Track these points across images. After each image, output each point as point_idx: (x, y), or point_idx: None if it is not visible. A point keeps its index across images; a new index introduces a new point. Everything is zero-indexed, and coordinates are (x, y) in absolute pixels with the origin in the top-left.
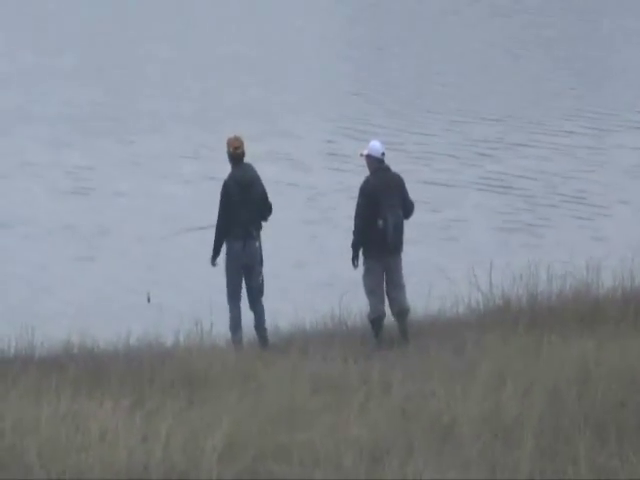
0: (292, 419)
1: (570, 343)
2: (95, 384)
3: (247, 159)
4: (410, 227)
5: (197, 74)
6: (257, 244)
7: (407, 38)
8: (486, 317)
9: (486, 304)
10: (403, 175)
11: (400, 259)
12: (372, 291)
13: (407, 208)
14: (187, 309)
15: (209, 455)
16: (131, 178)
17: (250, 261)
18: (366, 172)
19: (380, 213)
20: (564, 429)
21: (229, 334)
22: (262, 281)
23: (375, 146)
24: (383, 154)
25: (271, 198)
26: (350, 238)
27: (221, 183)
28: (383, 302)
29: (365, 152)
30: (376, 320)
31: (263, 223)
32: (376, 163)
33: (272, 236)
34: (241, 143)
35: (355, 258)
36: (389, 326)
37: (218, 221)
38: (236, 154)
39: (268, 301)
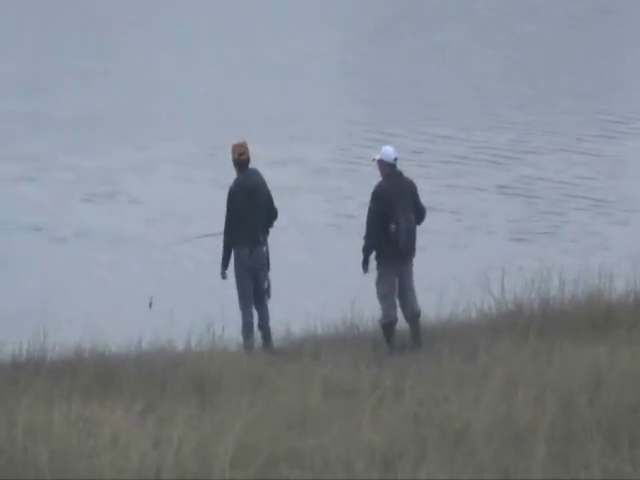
0: (304, 424)
1: (582, 349)
2: (107, 389)
3: (260, 163)
4: (422, 232)
5: (205, 78)
6: (264, 249)
7: (422, 46)
8: (498, 322)
9: (498, 309)
10: (416, 180)
11: (412, 264)
12: (385, 296)
13: (419, 213)
14: (199, 314)
15: (221, 460)
16: (147, 183)
17: (257, 265)
18: (379, 177)
19: (393, 218)
20: (576, 434)
21: (241, 339)
22: (269, 285)
23: (388, 151)
24: (395, 159)
25: (284, 202)
26: (361, 243)
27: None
28: (395, 308)
29: (377, 157)
30: (388, 325)
31: (270, 229)
32: (388, 168)
33: (285, 241)
34: (246, 149)
35: (365, 262)
36: (401, 331)
37: (225, 228)
38: (241, 160)
39: (279, 306)
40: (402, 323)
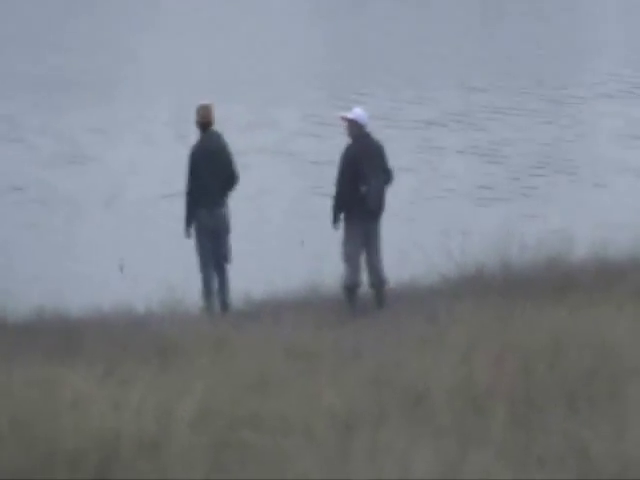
0: (264, 387)
1: (543, 312)
2: (68, 351)
3: (226, 127)
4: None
5: (178, 44)
6: (223, 211)
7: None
8: (459, 286)
9: (459, 273)
10: (384, 141)
11: (379, 225)
12: (350, 258)
13: (387, 175)
14: (160, 276)
15: (181, 423)
16: (113, 144)
17: (216, 228)
18: (345, 139)
19: (364, 179)
20: (536, 398)
21: (202, 302)
22: (229, 248)
23: (362, 114)
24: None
25: (248, 165)
26: (330, 202)
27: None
28: (359, 271)
29: (350, 116)
30: (351, 287)
31: (230, 192)
32: (359, 129)
33: (248, 204)
34: (209, 111)
35: (335, 220)
36: (362, 294)
37: (187, 188)
38: (204, 122)
39: (241, 269)
40: (364, 286)
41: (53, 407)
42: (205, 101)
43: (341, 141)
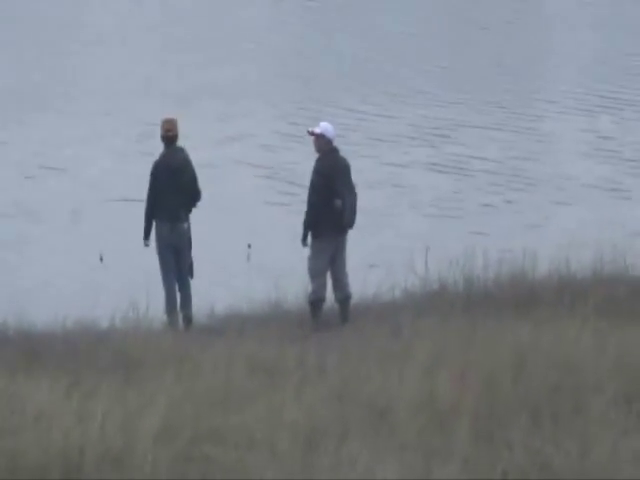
0: (227, 401)
1: (506, 327)
2: (31, 365)
3: (189, 139)
4: None
5: (142, 56)
6: (185, 226)
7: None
8: (422, 301)
9: (422, 288)
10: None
11: (346, 239)
12: (317, 274)
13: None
14: (123, 291)
15: (145, 437)
16: (75, 156)
17: (178, 243)
18: (313, 153)
19: (337, 193)
20: (499, 413)
21: (165, 316)
22: (191, 263)
23: (329, 128)
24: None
25: (211, 179)
26: (299, 218)
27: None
28: (325, 286)
29: (318, 131)
30: (316, 302)
31: (192, 208)
32: (328, 144)
33: (210, 218)
34: (174, 125)
35: (305, 237)
36: (326, 309)
37: (146, 202)
38: (168, 136)
39: (205, 284)
40: (329, 301)
41: (16, 421)
42: (169, 115)
43: (306, 153)
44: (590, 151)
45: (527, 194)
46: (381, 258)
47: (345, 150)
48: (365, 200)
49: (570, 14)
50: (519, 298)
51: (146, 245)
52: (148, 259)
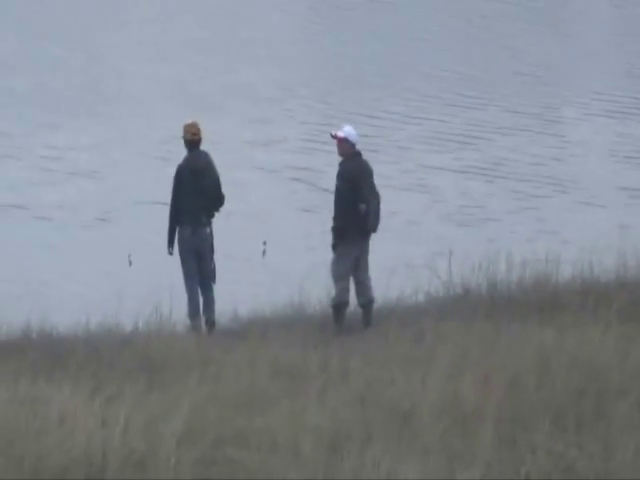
0: (251, 405)
1: (529, 332)
2: (54, 369)
3: (217, 142)
4: None
5: (166, 58)
6: (207, 231)
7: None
8: (446, 305)
9: (446, 292)
10: (372, 161)
11: (369, 243)
12: (341, 278)
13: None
14: (147, 295)
15: (168, 440)
16: (101, 160)
17: (200, 247)
18: (337, 157)
19: (362, 197)
20: (523, 417)
21: (188, 320)
22: (213, 268)
23: (352, 132)
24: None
25: (233, 183)
26: (322, 221)
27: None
28: (349, 290)
29: (341, 134)
30: (339, 306)
31: (215, 213)
32: (351, 148)
33: (234, 222)
34: (198, 129)
35: (336, 243)
36: (349, 313)
37: (170, 207)
38: (193, 140)
39: (228, 287)
40: (352, 306)
41: (40, 425)
42: (192, 119)
43: (332, 157)
44: (616, 155)
45: (551, 198)
46: (404, 262)
47: (369, 154)
48: (389, 204)
49: (598, 15)
50: (542, 302)
51: (170, 253)
52: (171, 263)
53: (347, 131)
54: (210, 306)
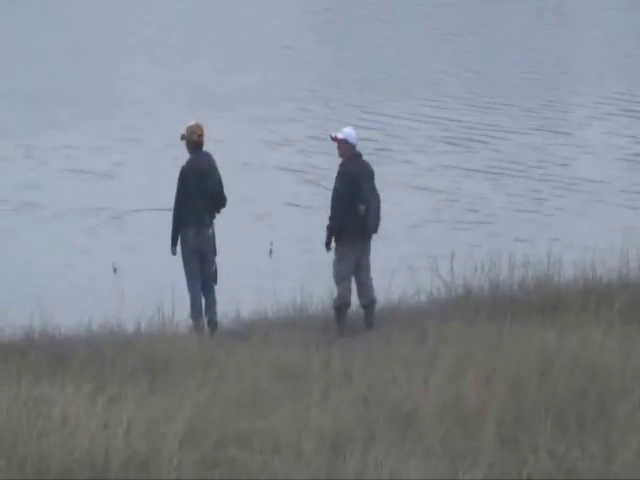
0: (253, 406)
1: (531, 332)
2: (56, 370)
3: (225, 143)
4: None
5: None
6: (210, 232)
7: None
8: (448, 306)
9: (448, 293)
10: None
11: (370, 244)
12: (342, 278)
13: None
14: (149, 295)
15: (170, 441)
16: (105, 160)
17: (203, 248)
18: (338, 158)
19: (361, 198)
20: (525, 418)
21: (190, 321)
22: (215, 269)
23: (352, 133)
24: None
25: (236, 182)
26: (324, 223)
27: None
28: (350, 291)
29: (341, 136)
30: (341, 307)
31: (217, 214)
32: (351, 150)
33: (235, 224)
34: (202, 131)
35: (330, 241)
36: (351, 314)
37: (174, 208)
38: (198, 141)
39: (230, 288)
40: (354, 306)
41: (42, 426)
42: (195, 120)
43: (333, 160)
44: (622, 156)
45: (553, 198)
46: (406, 263)
47: (373, 156)
48: (391, 204)
49: (607, 18)
50: (545, 303)
51: (173, 253)
52: (174, 264)
53: (346, 132)
54: (212, 307)
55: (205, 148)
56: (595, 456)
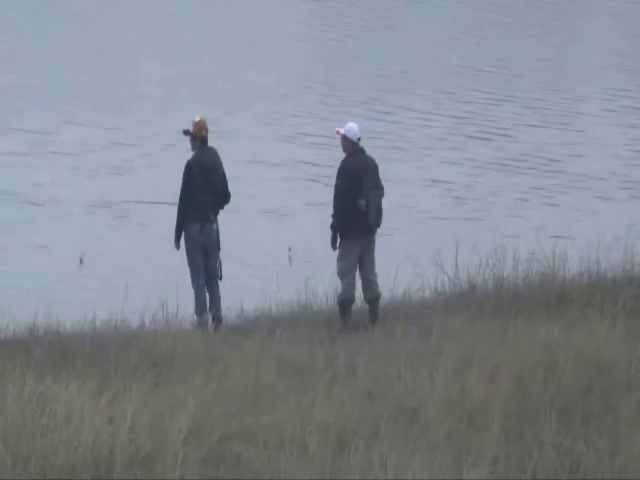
0: (257, 401)
1: (536, 327)
2: (61, 366)
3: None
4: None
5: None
6: (215, 227)
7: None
8: (452, 301)
9: (452, 288)
10: (375, 156)
11: (375, 239)
12: (346, 274)
13: (381, 191)
14: (153, 291)
15: (174, 437)
16: (116, 155)
17: (207, 244)
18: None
19: (362, 194)
20: (530, 413)
21: (195, 317)
22: (220, 265)
23: (353, 128)
24: (359, 139)
25: (241, 178)
26: (328, 220)
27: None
28: (354, 286)
29: (342, 131)
30: (346, 302)
31: (220, 210)
32: (352, 145)
33: (239, 220)
34: (205, 126)
35: (335, 240)
36: (355, 309)
37: (179, 203)
38: (204, 137)
39: (234, 284)
40: (358, 302)
41: (47, 422)
42: (200, 115)
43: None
44: (628, 152)
45: (559, 193)
46: (411, 258)
47: (381, 148)
48: (398, 199)
49: (621, 13)
50: (549, 298)
51: (177, 248)
52: (178, 259)
53: (347, 128)
54: (216, 303)
55: (218, 144)
56: (600, 450)
